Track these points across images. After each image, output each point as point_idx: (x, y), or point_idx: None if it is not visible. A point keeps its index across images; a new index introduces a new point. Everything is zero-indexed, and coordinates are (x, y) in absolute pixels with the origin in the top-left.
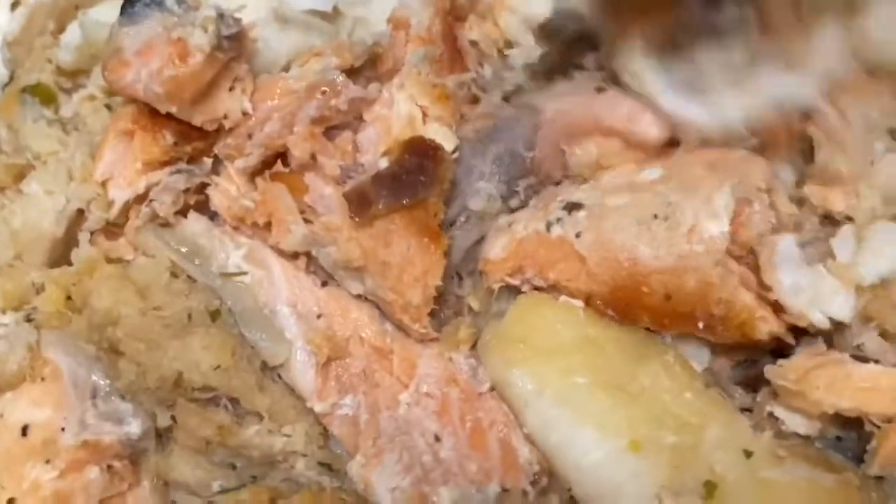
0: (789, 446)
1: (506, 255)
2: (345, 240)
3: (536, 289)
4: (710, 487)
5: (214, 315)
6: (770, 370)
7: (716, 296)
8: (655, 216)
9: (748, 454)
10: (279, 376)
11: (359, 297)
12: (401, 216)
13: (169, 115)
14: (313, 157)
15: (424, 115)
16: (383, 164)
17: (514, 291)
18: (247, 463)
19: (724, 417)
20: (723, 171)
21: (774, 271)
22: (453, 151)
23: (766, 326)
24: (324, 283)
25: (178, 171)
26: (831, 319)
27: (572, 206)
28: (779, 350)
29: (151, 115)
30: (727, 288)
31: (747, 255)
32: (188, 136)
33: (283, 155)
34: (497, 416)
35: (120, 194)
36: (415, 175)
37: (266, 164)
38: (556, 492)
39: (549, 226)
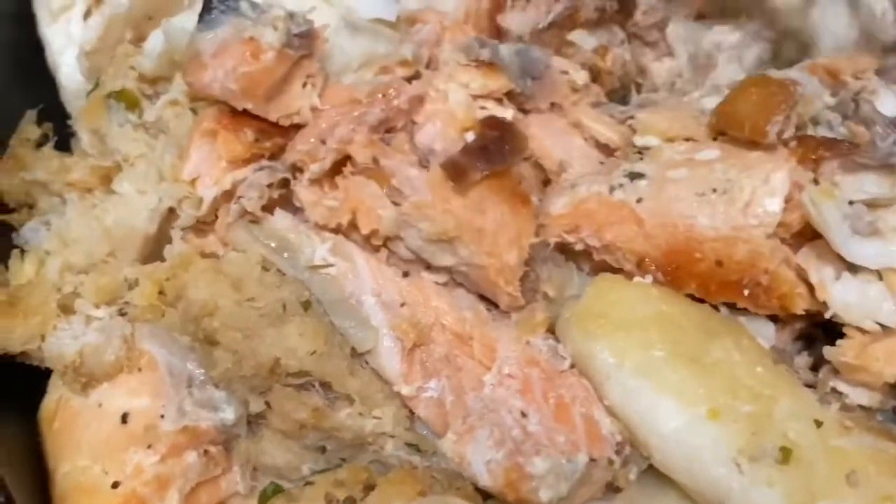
0: (854, 418)
1: (565, 211)
2: (440, 213)
3: (588, 249)
4: (785, 452)
5: (306, 305)
6: (829, 351)
7: (763, 266)
8: (714, 190)
9: (818, 424)
10: (366, 363)
11: (439, 285)
12: (490, 185)
13: (248, 114)
14: (375, 161)
15: (480, 97)
16: (470, 137)
17: (573, 256)
18: (336, 446)
19: (794, 390)
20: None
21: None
22: None
23: (804, 303)
24: (405, 274)
25: (262, 168)
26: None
27: (635, 176)
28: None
29: (232, 114)
30: (774, 260)
31: (790, 238)
32: (268, 133)
33: (348, 159)
34: (578, 392)
35: (208, 192)
36: (498, 144)
37: (334, 169)
38: (636, 462)
39: (611, 189)
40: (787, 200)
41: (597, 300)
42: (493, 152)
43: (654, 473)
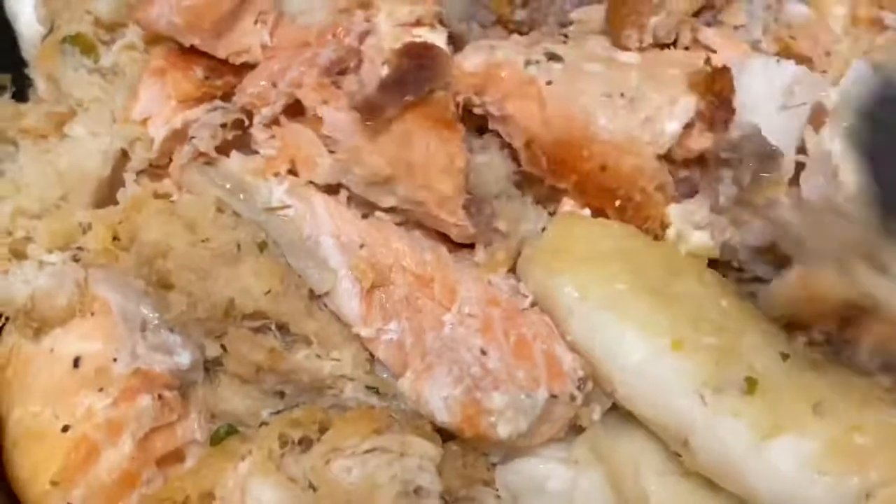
0: (822, 352)
1: (477, 71)
2: (368, 154)
3: (486, 116)
4: (751, 383)
5: (262, 246)
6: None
7: (642, 184)
8: (622, 95)
9: (784, 357)
10: (325, 305)
11: (399, 227)
12: (413, 116)
13: (197, 51)
14: (325, 103)
15: (409, 25)
16: (384, 71)
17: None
18: (295, 389)
19: (759, 325)
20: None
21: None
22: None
23: (661, 233)
24: (364, 216)
25: (214, 108)
26: None
27: (552, 57)
28: None
29: (181, 52)
30: (653, 182)
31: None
32: (218, 71)
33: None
34: (539, 329)
35: (159, 132)
36: (416, 73)
37: (287, 113)
38: (599, 401)
39: (526, 63)
40: (687, 127)
41: (559, 236)
42: (409, 82)
43: (617, 415)
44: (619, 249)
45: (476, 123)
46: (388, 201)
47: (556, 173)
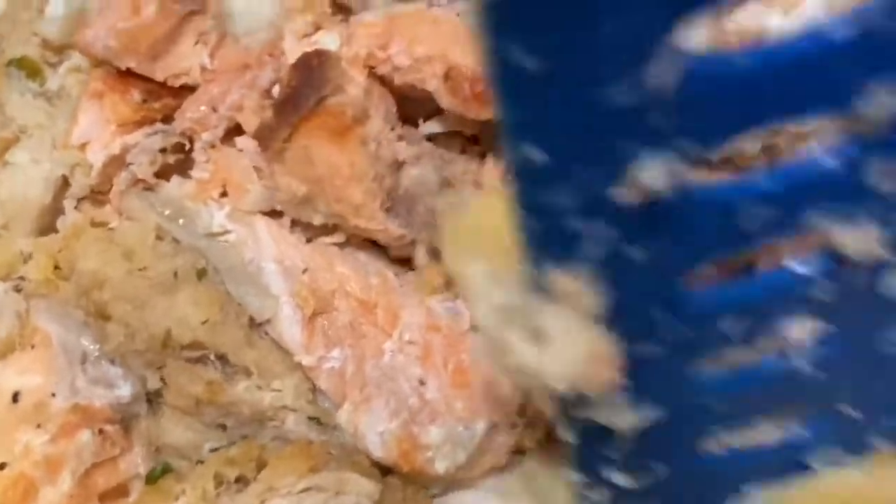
0: None
1: (377, 20)
2: (280, 176)
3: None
4: None
5: (201, 274)
6: None
7: None
8: None
9: None
10: (266, 333)
11: (344, 250)
12: (307, 130)
13: (135, 74)
14: None
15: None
16: (276, 92)
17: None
18: (236, 422)
19: None
20: None
21: None
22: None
23: None
24: (308, 240)
25: (154, 133)
26: None
27: None
28: None
29: (119, 75)
30: None
31: None
32: (157, 94)
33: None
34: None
35: (97, 157)
36: (307, 87)
37: (229, 134)
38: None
39: (430, 5)
40: None
41: (477, 217)
42: (299, 100)
43: (557, 448)
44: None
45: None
46: (317, 219)
47: (480, 100)
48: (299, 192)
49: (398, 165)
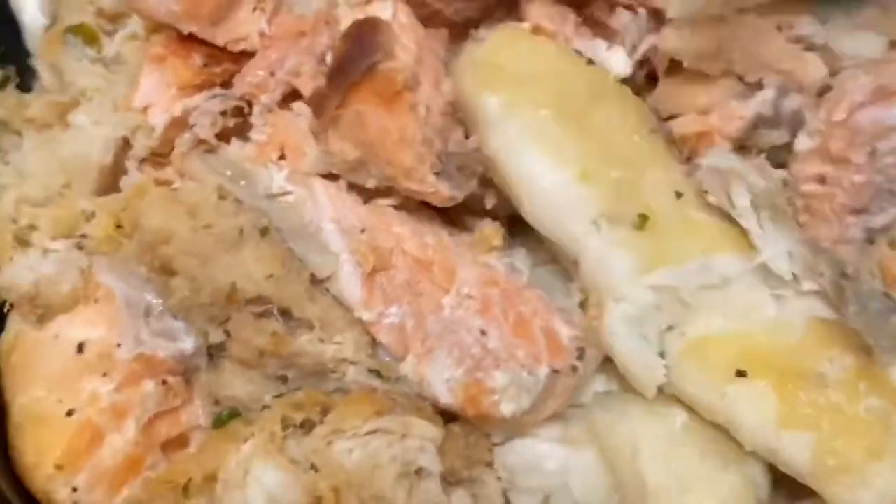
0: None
1: None
2: (334, 141)
3: None
4: (642, 219)
5: (264, 232)
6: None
7: None
8: None
9: (679, 195)
10: (327, 290)
11: (401, 211)
12: (359, 96)
13: (196, 39)
14: None
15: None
16: (329, 60)
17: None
18: (298, 374)
19: (664, 162)
20: None
21: None
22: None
23: None
24: (365, 201)
25: (214, 96)
26: None
27: None
28: None
29: (180, 39)
30: None
31: None
32: (217, 59)
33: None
34: (537, 306)
35: (159, 119)
36: (359, 53)
37: (287, 99)
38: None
39: None
40: None
41: (496, 50)
42: (350, 67)
43: (616, 395)
44: (550, 71)
45: None
46: (370, 182)
47: None
48: (352, 157)
49: (449, 129)
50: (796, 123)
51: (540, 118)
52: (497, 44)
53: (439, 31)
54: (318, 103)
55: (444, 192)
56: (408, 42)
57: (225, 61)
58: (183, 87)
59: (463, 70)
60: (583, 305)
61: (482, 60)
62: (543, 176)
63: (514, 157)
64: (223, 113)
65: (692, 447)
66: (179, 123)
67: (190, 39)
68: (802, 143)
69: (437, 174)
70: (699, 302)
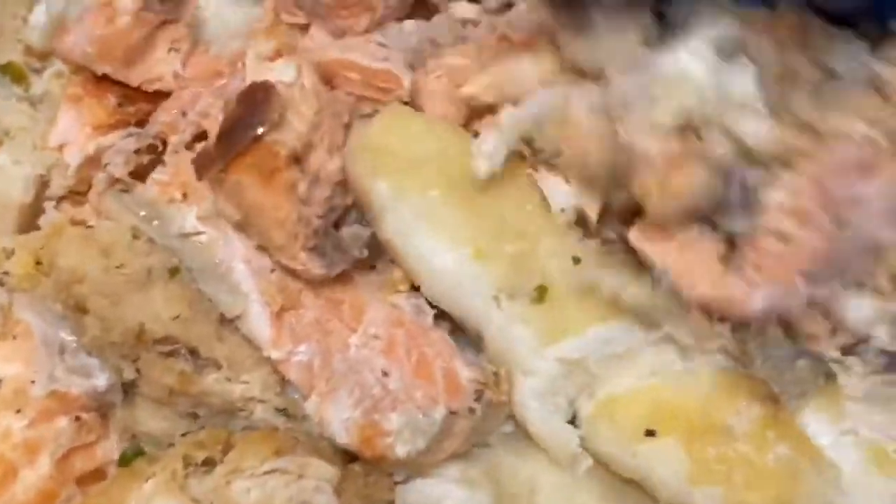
0: (613, 251)
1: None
2: (220, 200)
3: None
4: (541, 291)
5: (173, 272)
6: None
7: None
8: None
9: (577, 261)
10: (237, 329)
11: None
12: (243, 166)
13: (112, 79)
14: None
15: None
16: (220, 120)
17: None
18: (208, 412)
19: (559, 229)
20: None
21: None
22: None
23: None
24: None
25: (129, 135)
26: None
27: None
28: None
29: (96, 79)
30: None
31: None
32: (132, 99)
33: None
34: (441, 348)
35: (74, 158)
36: (248, 120)
37: (197, 139)
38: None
39: None
40: None
41: (383, 132)
42: (238, 133)
43: (519, 434)
44: (439, 151)
45: None
46: (254, 241)
47: None
48: (234, 218)
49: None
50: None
51: (430, 200)
52: (385, 125)
53: (345, 94)
54: (202, 164)
55: (313, 269)
56: (306, 109)
57: (140, 101)
58: (98, 126)
59: (352, 154)
60: (495, 376)
61: (370, 144)
62: (438, 257)
63: (408, 240)
64: (137, 151)
65: (592, 494)
66: (94, 162)
67: (105, 79)
68: (772, 197)
69: (311, 249)
70: (605, 367)
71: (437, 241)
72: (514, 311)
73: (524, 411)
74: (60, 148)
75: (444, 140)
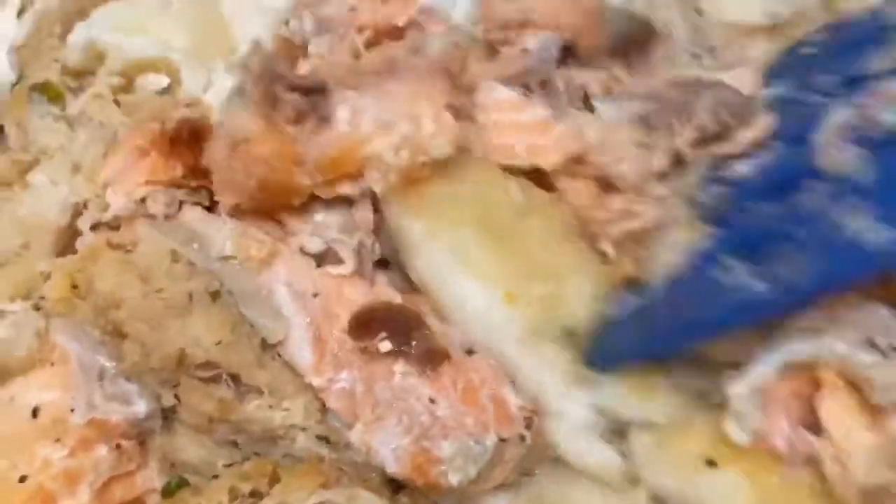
0: None
1: None
2: None
3: None
4: (568, 333)
5: (214, 296)
6: None
7: None
8: None
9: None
10: (278, 355)
11: (352, 276)
12: None
13: (185, 148)
14: None
15: None
16: None
17: None
18: (248, 439)
19: (588, 267)
20: None
21: None
22: None
23: None
24: (318, 265)
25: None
26: None
27: None
28: None
29: (172, 143)
30: None
31: None
32: (196, 173)
33: None
34: (486, 374)
35: (117, 201)
36: None
37: None
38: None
39: None
40: None
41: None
42: None
43: (566, 464)
44: (473, 188)
45: None
46: None
47: None
48: None
49: None
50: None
51: (462, 239)
52: None
53: None
54: None
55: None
56: None
57: (201, 177)
58: (153, 182)
59: (386, 195)
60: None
61: (401, 183)
62: (468, 299)
63: (439, 279)
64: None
65: None
66: (137, 206)
67: (179, 146)
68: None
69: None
70: None
71: (468, 281)
72: (542, 353)
73: (565, 452)
74: (104, 185)
75: (479, 176)
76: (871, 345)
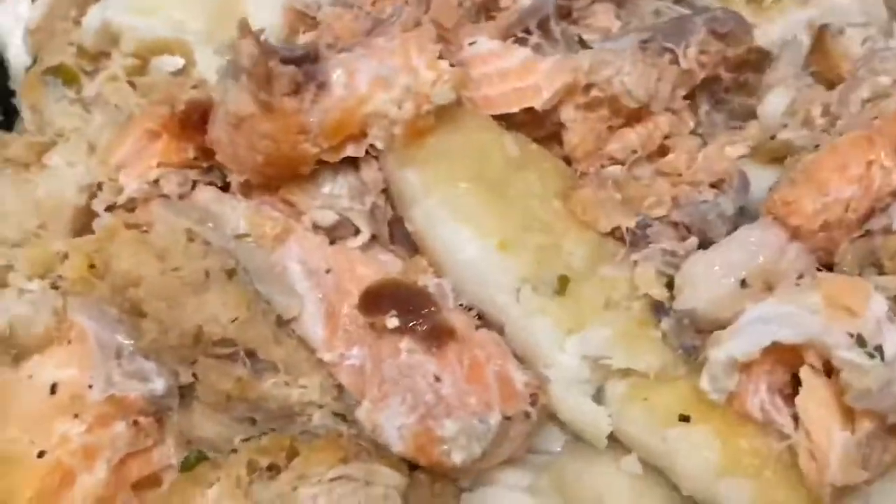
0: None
1: None
2: None
3: None
4: (563, 281)
5: (230, 273)
6: None
7: None
8: None
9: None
10: (293, 331)
11: (365, 252)
12: None
13: (197, 131)
14: None
15: None
16: None
17: None
18: (265, 416)
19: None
20: None
21: None
22: None
23: None
24: (331, 242)
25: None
26: None
27: None
28: None
29: (182, 125)
30: None
31: None
32: (208, 154)
33: None
34: (492, 349)
35: (131, 183)
36: None
37: None
38: None
39: None
40: None
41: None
42: None
43: (585, 444)
44: (469, 143)
45: None
46: None
47: None
48: None
49: None
50: None
51: (457, 192)
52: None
53: None
54: None
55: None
56: None
57: (212, 157)
58: (165, 164)
59: (384, 149)
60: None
61: (400, 136)
62: (463, 248)
63: (436, 230)
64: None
65: (657, 499)
66: (149, 186)
67: (190, 129)
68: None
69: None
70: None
71: (463, 232)
72: (535, 303)
73: (555, 402)
74: (118, 168)
75: (476, 131)
76: (860, 342)
